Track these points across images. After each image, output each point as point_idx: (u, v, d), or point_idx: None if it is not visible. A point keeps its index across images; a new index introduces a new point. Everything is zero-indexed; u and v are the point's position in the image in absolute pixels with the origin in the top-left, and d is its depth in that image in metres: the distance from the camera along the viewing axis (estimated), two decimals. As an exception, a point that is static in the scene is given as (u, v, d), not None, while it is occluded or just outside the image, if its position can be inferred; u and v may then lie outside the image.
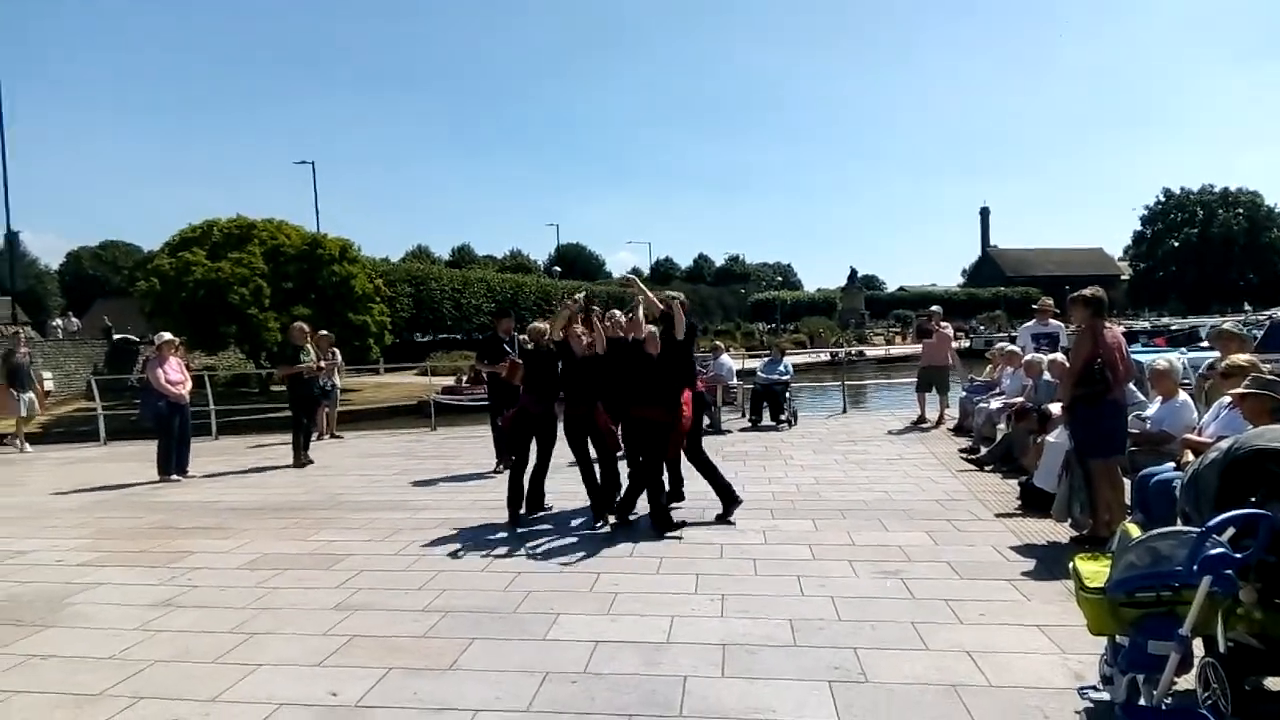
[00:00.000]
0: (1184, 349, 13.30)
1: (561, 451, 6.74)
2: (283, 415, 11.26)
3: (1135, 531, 2.91)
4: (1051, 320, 10.60)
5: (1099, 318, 5.38)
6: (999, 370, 10.35)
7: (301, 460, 10.26)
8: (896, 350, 40.61)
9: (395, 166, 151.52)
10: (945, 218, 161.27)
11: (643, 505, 6.46)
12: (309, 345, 10.87)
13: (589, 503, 6.60)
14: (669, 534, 6.02)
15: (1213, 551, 2.54)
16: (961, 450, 9.28)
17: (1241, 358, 5.14)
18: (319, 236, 26.85)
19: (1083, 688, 3.20)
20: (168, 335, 10.40)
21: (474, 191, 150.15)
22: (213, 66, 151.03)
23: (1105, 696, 3.01)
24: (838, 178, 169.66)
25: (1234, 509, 2.67)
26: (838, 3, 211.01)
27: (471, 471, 9.31)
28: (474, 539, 6.20)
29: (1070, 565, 3.10)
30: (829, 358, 31.51)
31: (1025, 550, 5.37)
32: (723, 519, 6.36)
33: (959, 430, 10.78)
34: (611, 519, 6.44)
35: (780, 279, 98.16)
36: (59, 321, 38.53)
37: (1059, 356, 7.92)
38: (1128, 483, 5.59)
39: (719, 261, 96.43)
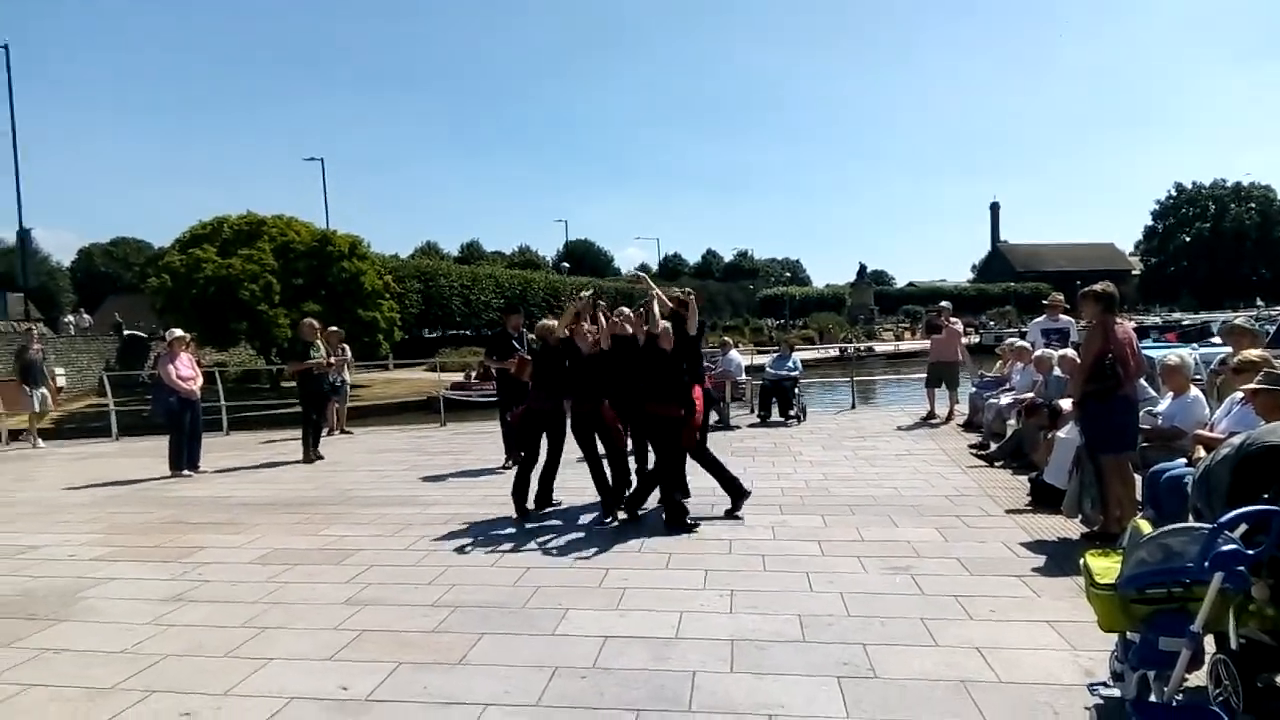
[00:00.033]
0: (1195, 344, 13.21)
1: (571, 448, 6.75)
2: (293, 411, 11.32)
3: (1146, 528, 2.90)
4: (1062, 316, 10.54)
5: (1110, 313, 5.35)
6: (1009, 366, 10.30)
7: (310, 456, 10.30)
8: (906, 346, 40.45)
9: (397, 166, 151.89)
10: (953, 214, 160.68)
11: (651, 501, 6.48)
12: (319, 341, 10.90)
13: (598, 499, 6.61)
14: (683, 531, 6.02)
15: (1225, 548, 2.52)
16: (971, 446, 9.25)
17: (1254, 353, 5.11)
18: (329, 233, 26.95)
19: (1093, 684, 3.18)
20: (179, 331, 10.47)
21: (478, 190, 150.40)
22: (214, 66, 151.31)
23: (1115, 693, 3.00)
24: (839, 177, 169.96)
25: (1246, 505, 2.64)
26: (838, 3, 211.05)
27: (481, 467, 9.34)
28: (483, 534, 6.22)
29: (1081, 561, 3.09)
30: (838, 353, 31.39)
31: (1035, 546, 5.35)
32: (731, 514, 6.37)
33: (969, 426, 10.74)
34: (621, 514, 6.45)
35: (789, 275, 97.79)
36: (70, 318, 38.80)
37: (1069, 352, 7.87)
38: (1139, 479, 5.56)
39: (727, 257, 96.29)
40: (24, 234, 36.76)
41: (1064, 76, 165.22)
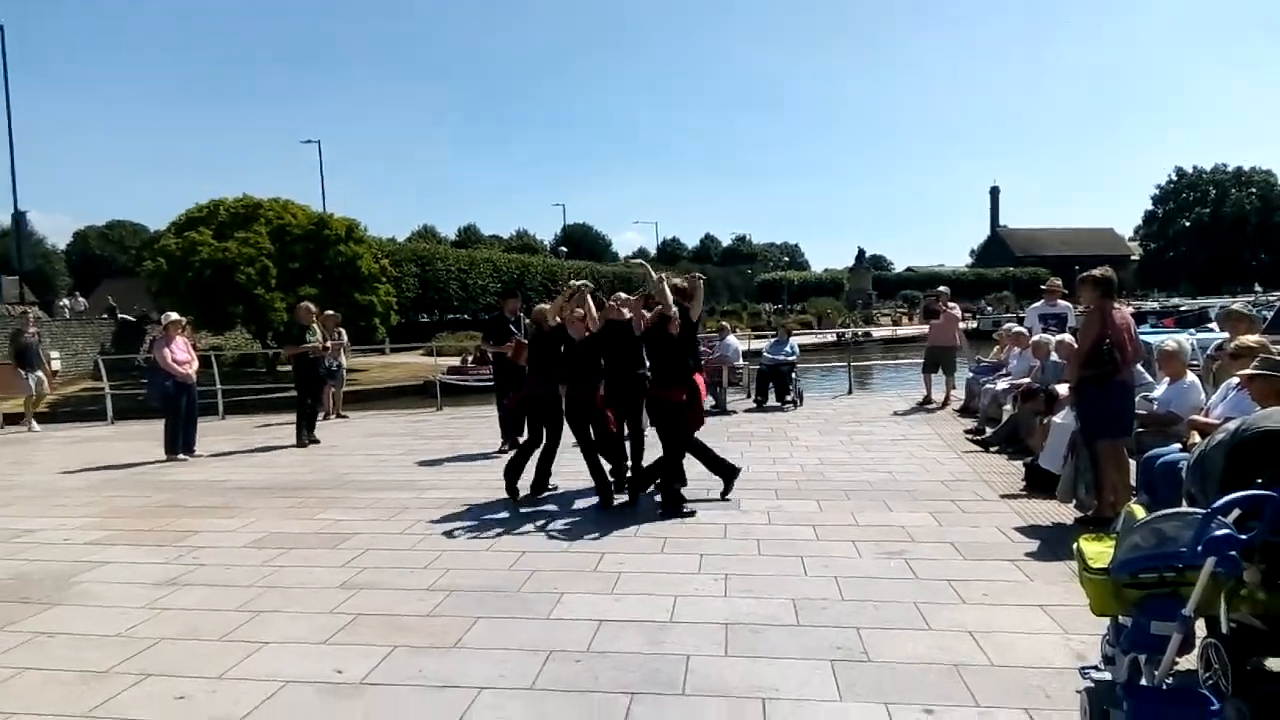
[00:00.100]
0: (1193, 330, 13.23)
1: (567, 433, 6.74)
2: (289, 395, 11.29)
3: (1140, 513, 2.89)
4: (1060, 301, 10.53)
5: (1108, 298, 5.34)
6: (1006, 351, 10.30)
7: (304, 440, 10.30)
8: (904, 331, 40.55)
9: (396, 160, 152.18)
10: (953, 199, 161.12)
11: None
12: (315, 325, 10.88)
13: (593, 483, 6.61)
14: (678, 516, 6.02)
15: (1217, 533, 2.52)
16: (967, 431, 9.26)
17: (1250, 339, 5.12)
18: (325, 216, 26.83)
19: (1084, 667, 3.19)
20: (174, 315, 10.42)
21: (476, 179, 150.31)
22: (211, 54, 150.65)
23: (1107, 676, 3.01)
24: (840, 175, 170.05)
25: (1240, 490, 2.64)
26: (838, 3, 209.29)
27: (477, 451, 9.34)
28: (479, 518, 6.23)
29: (1074, 546, 3.09)
30: (836, 338, 31.40)
31: (1029, 531, 5.37)
32: (724, 495, 6.38)
33: (965, 411, 10.75)
34: (618, 498, 6.45)
35: (787, 259, 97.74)
36: (65, 301, 38.64)
37: (1066, 337, 7.86)
38: (1133, 464, 5.57)
39: (726, 241, 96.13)
40: (19, 216, 36.51)
41: (1064, 76, 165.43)
